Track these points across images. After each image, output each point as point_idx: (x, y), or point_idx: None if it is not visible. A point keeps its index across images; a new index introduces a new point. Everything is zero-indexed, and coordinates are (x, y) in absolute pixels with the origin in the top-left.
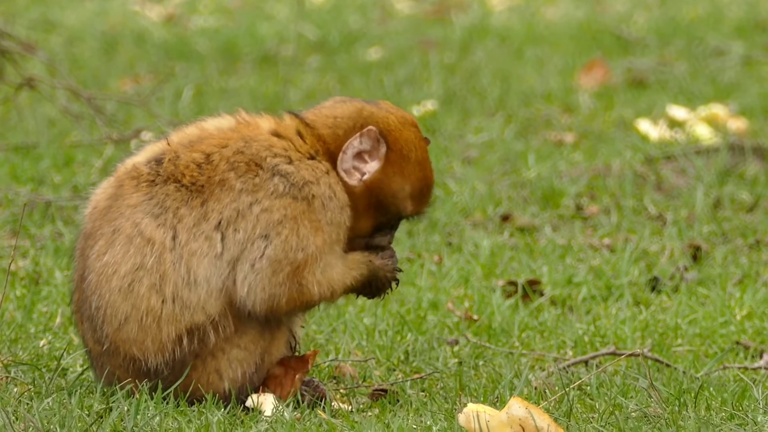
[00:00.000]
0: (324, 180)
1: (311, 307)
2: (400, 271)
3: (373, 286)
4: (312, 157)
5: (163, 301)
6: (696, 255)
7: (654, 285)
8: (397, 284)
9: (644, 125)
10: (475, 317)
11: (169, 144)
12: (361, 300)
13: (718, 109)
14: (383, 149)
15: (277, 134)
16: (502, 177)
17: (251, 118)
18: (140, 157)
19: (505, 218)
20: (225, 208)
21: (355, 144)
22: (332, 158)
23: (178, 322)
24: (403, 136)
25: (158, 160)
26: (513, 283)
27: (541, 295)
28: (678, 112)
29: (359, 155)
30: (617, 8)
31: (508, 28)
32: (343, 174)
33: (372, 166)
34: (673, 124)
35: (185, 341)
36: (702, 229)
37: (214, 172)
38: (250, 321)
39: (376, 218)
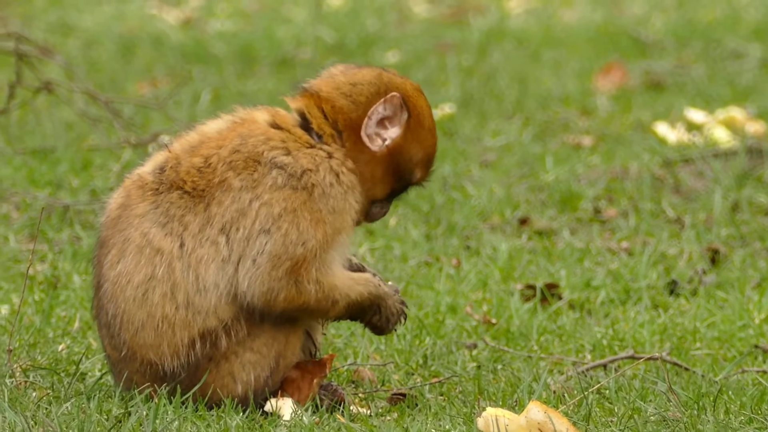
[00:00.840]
0: (324, 166)
1: (311, 311)
2: (407, 307)
3: (382, 316)
4: (312, 146)
5: (176, 308)
6: (714, 258)
7: (672, 288)
8: (405, 319)
9: (662, 128)
10: (494, 321)
11: (170, 151)
12: None
13: (736, 112)
14: (405, 116)
15: (275, 126)
16: (519, 180)
17: (248, 113)
18: (146, 167)
19: (523, 222)
20: (227, 210)
21: (379, 110)
22: (351, 126)
23: (191, 327)
24: (419, 103)
25: (162, 169)
26: (531, 287)
27: (560, 298)
28: (696, 115)
29: (381, 121)
30: (634, 11)
31: (526, 31)
32: (366, 139)
33: (393, 132)
34: (691, 127)
35: (198, 345)
36: (720, 233)
37: (213, 174)
38: (263, 324)
39: (391, 184)
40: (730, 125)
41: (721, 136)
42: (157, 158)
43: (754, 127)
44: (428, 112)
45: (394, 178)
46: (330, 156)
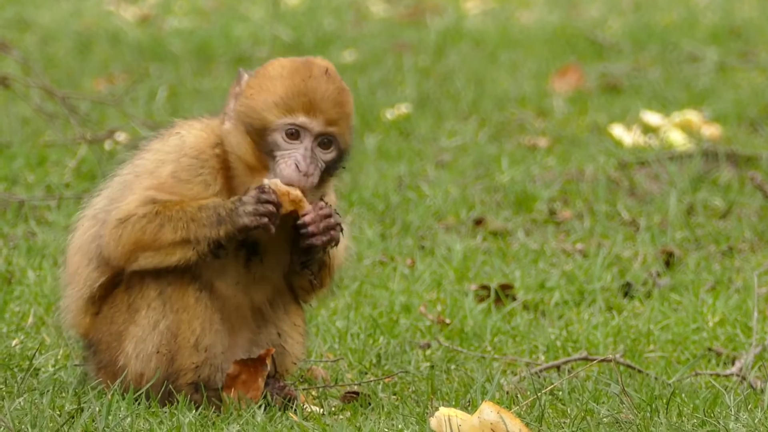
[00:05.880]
0: (191, 139)
1: (148, 243)
2: (267, 217)
3: (226, 222)
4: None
5: (76, 268)
6: (669, 261)
7: (626, 291)
8: (269, 216)
9: (618, 130)
10: (448, 321)
11: None
12: (333, 303)
13: (691, 115)
14: (245, 77)
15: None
16: (475, 181)
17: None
18: None
19: (478, 222)
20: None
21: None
22: None
23: (83, 295)
24: (269, 67)
25: None
26: (486, 288)
27: (514, 299)
28: (652, 117)
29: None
30: (592, 13)
31: (483, 32)
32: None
33: (237, 93)
34: (647, 129)
35: (90, 314)
36: (675, 235)
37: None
38: (144, 297)
39: (255, 145)
40: (686, 128)
41: (677, 139)
42: None
43: (709, 131)
44: (280, 70)
45: (250, 137)
46: (207, 135)
